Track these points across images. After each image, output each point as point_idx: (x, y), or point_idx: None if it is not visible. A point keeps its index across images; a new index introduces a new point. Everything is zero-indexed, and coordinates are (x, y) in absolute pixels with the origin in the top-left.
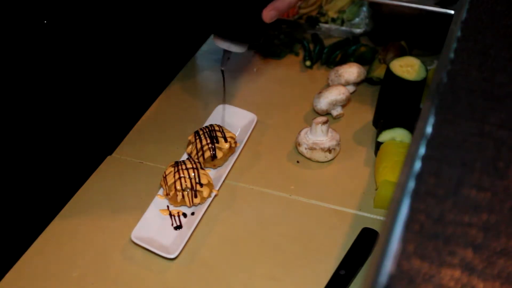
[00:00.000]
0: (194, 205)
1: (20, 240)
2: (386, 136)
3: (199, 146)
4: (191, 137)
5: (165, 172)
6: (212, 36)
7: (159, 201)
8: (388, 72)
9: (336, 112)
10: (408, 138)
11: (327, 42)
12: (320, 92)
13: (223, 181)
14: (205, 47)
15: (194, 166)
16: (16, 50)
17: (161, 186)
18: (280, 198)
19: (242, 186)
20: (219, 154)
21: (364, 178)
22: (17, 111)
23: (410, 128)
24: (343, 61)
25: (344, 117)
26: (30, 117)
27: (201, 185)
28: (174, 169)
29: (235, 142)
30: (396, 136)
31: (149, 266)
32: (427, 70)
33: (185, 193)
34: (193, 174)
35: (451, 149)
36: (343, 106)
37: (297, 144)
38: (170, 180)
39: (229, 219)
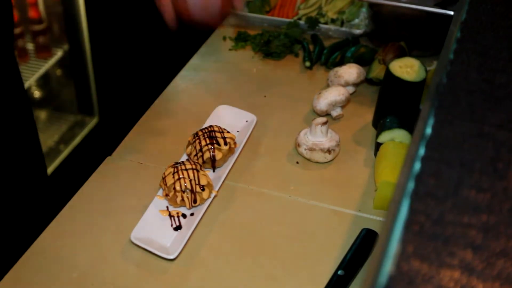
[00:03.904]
0: (193, 206)
1: (20, 241)
2: (385, 137)
3: (198, 147)
4: (190, 138)
5: (164, 173)
6: (210, 38)
7: (159, 202)
8: (388, 73)
9: (335, 113)
10: (407, 139)
11: (327, 43)
12: (319, 93)
13: (223, 181)
14: (204, 48)
15: (194, 167)
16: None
17: (160, 187)
18: (279, 198)
19: (241, 186)
20: (219, 155)
21: (364, 179)
22: (17, 110)
23: (410, 129)
24: (343, 62)
25: (343, 118)
26: (31, 116)
27: (201, 186)
28: (174, 170)
29: (235, 143)
30: (396, 137)
31: (149, 267)
32: (426, 71)
33: (185, 195)
34: (192, 175)
35: (451, 150)
36: (342, 107)
37: (297, 145)
38: (170, 181)
39: (228, 219)
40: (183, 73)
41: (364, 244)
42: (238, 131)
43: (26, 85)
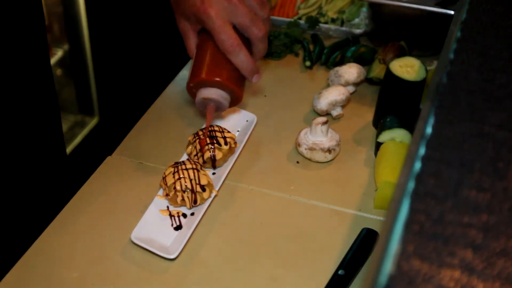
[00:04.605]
0: (194, 206)
1: (21, 241)
2: (386, 136)
3: (198, 147)
4: (190, 138)
5: (164, 173)
6: None
7: (159, 202)
8: (388, 72)
9: (336, 112)
10: (408, 139)
11: (327, 42)
12: (320, 93)
13: (223, 181)
14: None
15: (194, 166)
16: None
17: (161, 186)
18: (280, 198)
19: (241, 186)
20: (219, 155)
21: (364, 179)
22: (18, 111)
23: (410, 129)
24: (343, 62)
25: (344, 118)
26: (30, 116)
27: (202, 187)
28: (174, 170)
29: (235, 143)
30: (396, 136)
31: (149, 267)
32: (427, 71)
33: (185, 194)
34: (193, 175)
35: (451, 149)
36: (343, 106)
37: (297, 145)
38: (170, 180)
39: (228, 219)
40: (183, 73)
41: (365, 244)
42: (238, 131)
43: None
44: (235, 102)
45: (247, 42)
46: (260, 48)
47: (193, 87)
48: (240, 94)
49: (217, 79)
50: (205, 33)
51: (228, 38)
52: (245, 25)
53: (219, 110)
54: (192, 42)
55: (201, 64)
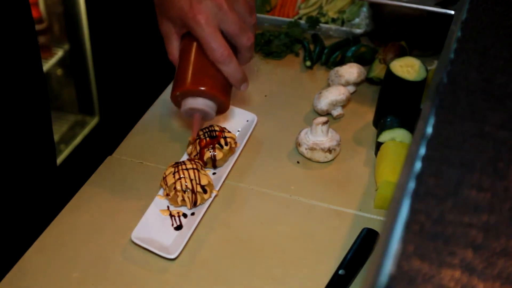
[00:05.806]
0: (194, 207)
1: (21, 240)
2: (386, 136)
3: (198, 147)
4: (191, 138)
5: (165, 173)
6: None
7: (159, 202)
8: (388, 72)
9: (336, 112)
10: (408, 139)
11: (327, 42)
12: (320, 93)
13: (223, 181)
14: None
15: (194, 166)
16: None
17: (161, 186)
18: (280, 198)
19: (242, 186)
20: (219, 155)
21: (364, 179)
22: (16, 110)
23: (410, 129)
24: (343, 62)
25: (344, 118)
26: (30, 116)
27: (202, 187)
28: (174, 170)
29: (235, 143)
30: (396, 136)
31: (149, 267)
32: (427, 71)
33: (186, 195)
34: (193, 175)
35: (451, 149)
36: (343, 106)
37: (297, 145)
38: (170, 180)
39: (229, 219)
40: None
41: (365, 244)
42: (238, 131)
43: None
44: (222, 110)
45: (233, 49)
46: (247, 57)
47: (178, 96)
48: (227, 103)
49: (204, 88)
50: (190, 38)
51: (218, 47)
52: (235, 33)
53: (205, 120)
54: (175, 46)
55: (186, 72)
